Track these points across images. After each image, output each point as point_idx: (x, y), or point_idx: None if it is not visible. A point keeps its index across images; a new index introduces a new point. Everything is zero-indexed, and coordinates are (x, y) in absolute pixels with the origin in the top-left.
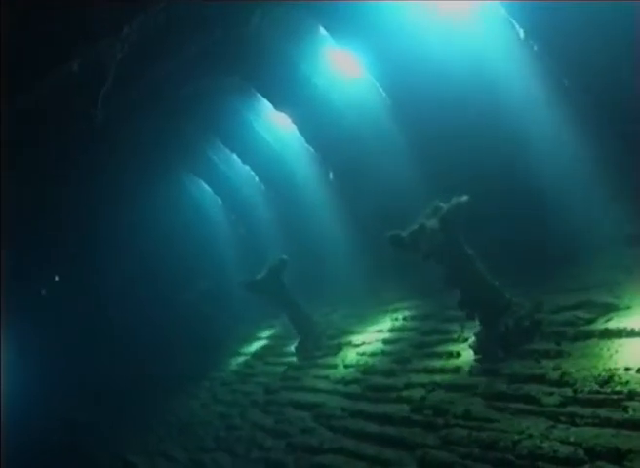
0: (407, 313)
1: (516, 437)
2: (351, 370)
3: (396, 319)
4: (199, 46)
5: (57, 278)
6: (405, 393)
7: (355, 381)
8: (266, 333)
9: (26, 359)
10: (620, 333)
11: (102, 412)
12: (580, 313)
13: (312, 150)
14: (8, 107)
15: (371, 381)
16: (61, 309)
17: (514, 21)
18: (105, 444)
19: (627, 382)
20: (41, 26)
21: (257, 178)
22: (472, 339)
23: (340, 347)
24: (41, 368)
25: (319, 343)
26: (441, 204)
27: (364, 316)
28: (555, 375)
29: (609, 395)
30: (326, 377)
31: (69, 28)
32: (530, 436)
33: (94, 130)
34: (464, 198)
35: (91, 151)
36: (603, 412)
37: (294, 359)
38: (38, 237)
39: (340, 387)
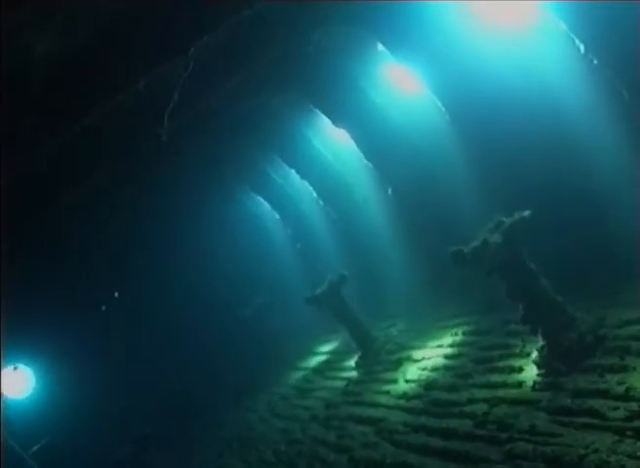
0: (467, 328)
1: (582, 451)
2: (412, 385)
3: (456, 334)
4: (259, 64)
5: (116, 294)
6: (468, 408)
7: (417, 396)
8: (325, 348)
9: (92, 376)
10: None
11: (165, 427)
12: None
13: (371, 166)
14: (72, 127)
15: (432, 396)
16: (121, 325)
17: (574, 36)
18: (170, 458)
19: None
20: (110, 48)
21: (315, 194)
22: (535, 354)
23: (400, 362)
24: (106, 384)
25: (379, 358)
26: (503, 219)
27: (423, 331)
28: (620, 390)
29: None
30: (387, 392)
31: (138, 50)
32: (596, 450)
33: (159, 147)
34: (527, 212)
35: (155, 168)
36: None
37: (354, 374)
38: (99, 254)
39: (402, 402)
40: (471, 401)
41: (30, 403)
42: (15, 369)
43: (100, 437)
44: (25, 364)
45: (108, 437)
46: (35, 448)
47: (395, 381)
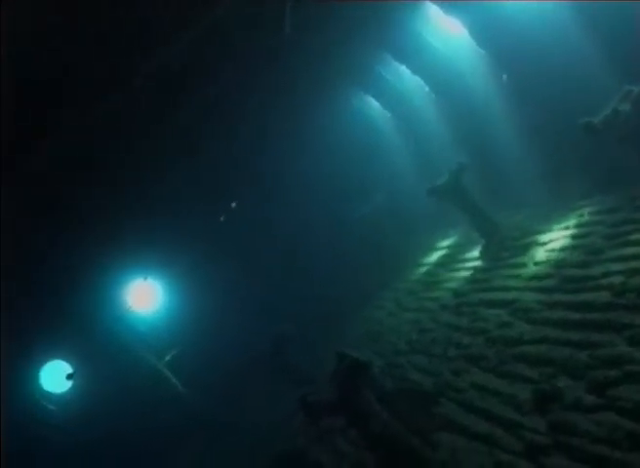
0: (593, 208)
1: None
2: (542, 266)
3: (582, 215)
4: None
5: (234, 204)
6: (603, 281)
7: (548, 276)
8: (446, 243)
9: (220, 285)
10: None
11: (298, 327)
12: None
13: (484, 53)
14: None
15: (565, 274)
16: (245, 234)
17: None
18: (305, 355)
19: None
20: None
21: (427, 88)
22: None
23: (526, 247)
24: (236, 291)
25: (504, 245)
26: (632, 88)
27: (547, 215)
28: None
29: None
30: (516, 276)
31: None
32: None
33: (282, 42)
34: None
35: (279, 64)
36: None
37: (479, 263)
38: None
39: (533, 283)
40: (606, 274)
41: (160, 315)
42: (145, 279)
43: (237, 339)
44: (154, 278)
45: (245, 338)
46: (168, 357)
47: (523, 265)
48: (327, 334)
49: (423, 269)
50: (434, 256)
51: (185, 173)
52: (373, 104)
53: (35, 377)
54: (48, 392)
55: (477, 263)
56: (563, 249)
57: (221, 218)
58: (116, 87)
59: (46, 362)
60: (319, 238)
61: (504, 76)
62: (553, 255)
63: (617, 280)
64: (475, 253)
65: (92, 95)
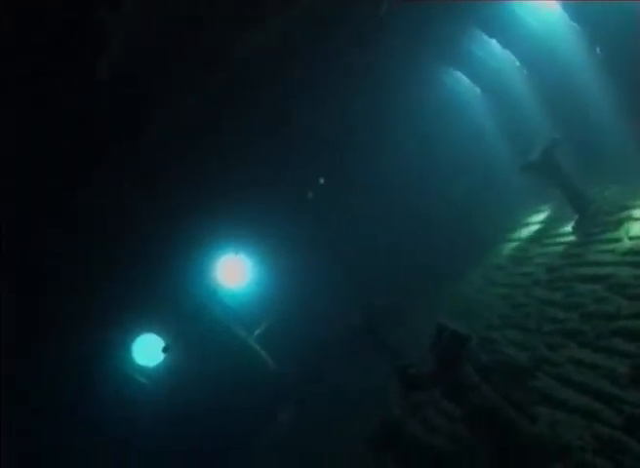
0: None
1: None
2: (638, 241)
3: None
4: None
5: (322, 181)
6: None
7: None
8: (536, 218)
9: (308, 261)
10: None
11: (388, 302)
12: None
13: (577, 27)
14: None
15: None
16: (331, 210)
17: None
18: (397, 328)
19: None
20: None
21: (517, 62)
22: None
23: (620, 222)
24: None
25: (597, 220)
26: None
27: None
28: None
29: None
30: (611, 251)
31: None
32: None
33: (380, 18)
34: None
35: (373, 43)
36: None
37: (572, 238)
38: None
39: (629, 258)
40: None
41: (249, 291)
42: (236, 254)
43: (327, 313)
44: (245, 253)
45: (335, 311)
46: (258, 331)
47: (618, 240)
48: (416, 310)
49: (514, 245)
50: (525, 232)
51: (278, 148)
52: (463, 80)
53: (128, 351)
54: (140, 365)
55: (570, 238)
56: None
57: (309, 195)
58: (213, 68)
59: (138, 335)
60: (409, 216)
61: (598, 49)
62: None
63: None
64: (568, 228)
65: (192, 75)
